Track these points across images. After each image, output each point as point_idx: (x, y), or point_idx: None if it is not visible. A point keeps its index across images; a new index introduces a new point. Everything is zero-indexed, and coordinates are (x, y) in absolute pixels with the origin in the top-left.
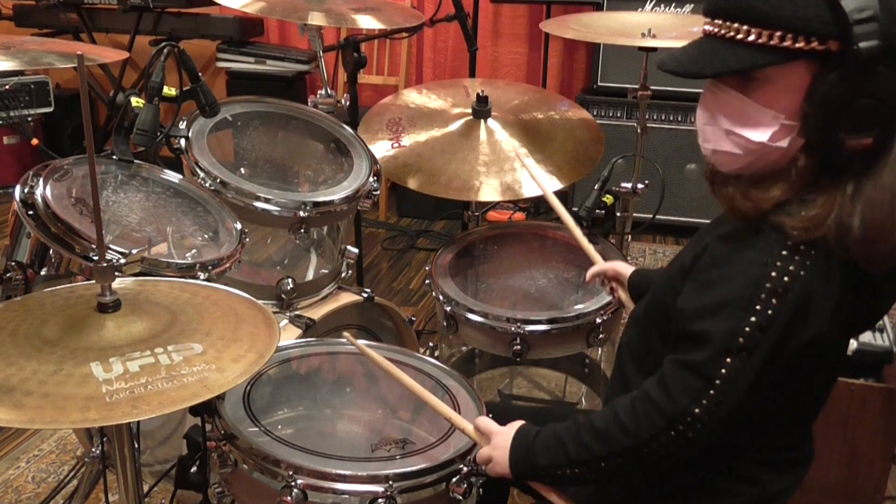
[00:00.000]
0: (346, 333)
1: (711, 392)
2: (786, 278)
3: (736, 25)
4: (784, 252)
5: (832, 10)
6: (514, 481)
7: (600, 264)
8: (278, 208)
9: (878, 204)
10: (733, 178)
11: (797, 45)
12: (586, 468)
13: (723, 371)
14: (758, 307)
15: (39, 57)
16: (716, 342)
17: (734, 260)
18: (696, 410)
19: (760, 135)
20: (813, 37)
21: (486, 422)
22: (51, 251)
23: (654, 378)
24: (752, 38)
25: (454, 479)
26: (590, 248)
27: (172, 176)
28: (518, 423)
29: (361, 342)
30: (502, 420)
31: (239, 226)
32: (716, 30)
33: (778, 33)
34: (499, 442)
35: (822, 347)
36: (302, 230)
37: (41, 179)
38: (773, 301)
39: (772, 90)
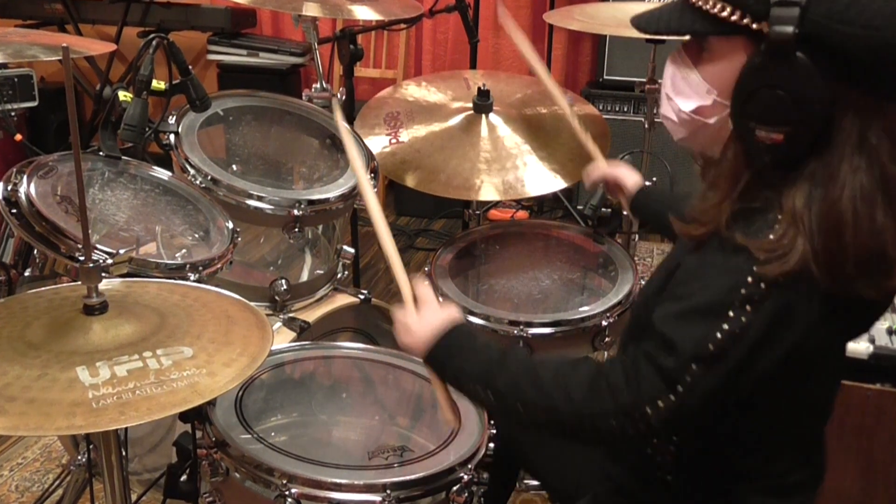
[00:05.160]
0: None
1: (672, 398)
2: (762, 284)
3: None
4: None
5: None
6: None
7: (600, 170)
8: (271, 206)
9: (834, 223)
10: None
11: (733, 17)
12: (502, 401)
13: (687, 379)
14: (731, 314)
15: (23, 49)
16: (685, 349)
17: (708, 269)
18: (649, 411)
19: (689, 104)
20: (748, 13)
21: (428, 294)
22: (35, 251)
23: (619, 362)
24: (700, 4)
25: (454, 488)
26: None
27: (161, 173)
28: (455, 314)
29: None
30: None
31: (231, 225)
32: None
33: (719, 3)
34: (428, 319)
35: (809, 360)
36: (296, 229)
37: (25, 176)
38: (748, 308)
39: (714, 65)
